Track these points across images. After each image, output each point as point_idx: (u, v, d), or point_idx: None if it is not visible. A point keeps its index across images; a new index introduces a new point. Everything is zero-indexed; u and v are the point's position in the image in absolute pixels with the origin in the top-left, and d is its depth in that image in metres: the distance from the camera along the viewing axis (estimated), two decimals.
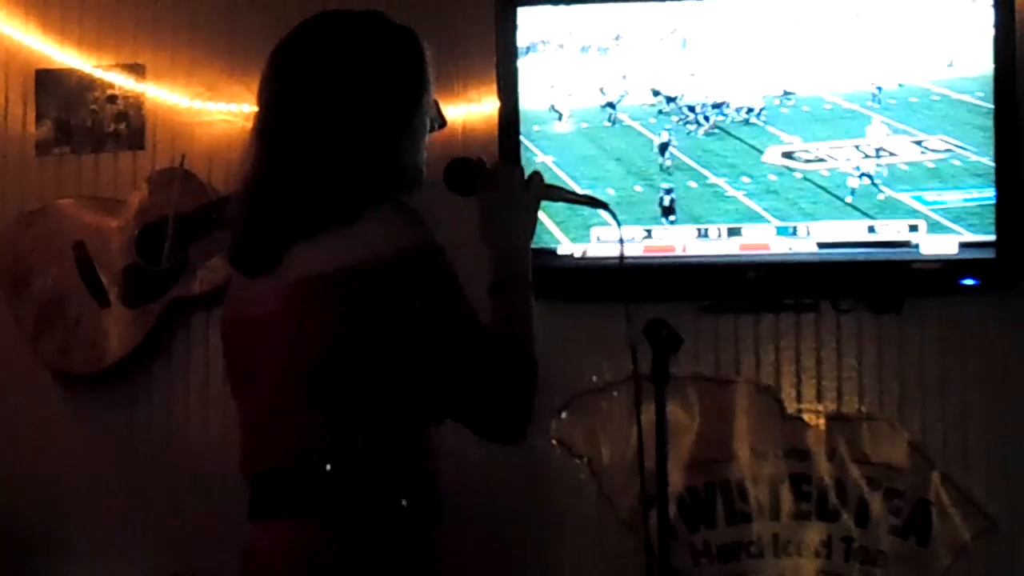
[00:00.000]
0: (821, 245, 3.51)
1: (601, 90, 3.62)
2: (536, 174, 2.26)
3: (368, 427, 2.05)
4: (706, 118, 3.58)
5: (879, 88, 3.52)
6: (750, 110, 3.57)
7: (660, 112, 3.59)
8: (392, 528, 2.05)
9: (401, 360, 2.02)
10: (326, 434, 2.05)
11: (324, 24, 2.18)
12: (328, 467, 2.03)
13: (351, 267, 2.02)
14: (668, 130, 3.57)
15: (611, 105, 3.61)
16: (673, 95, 3.60)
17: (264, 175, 2.13)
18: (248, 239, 2.14)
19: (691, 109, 3.58)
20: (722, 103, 3.58)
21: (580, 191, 2.41)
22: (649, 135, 3.60)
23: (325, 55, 2.13)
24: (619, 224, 2.37)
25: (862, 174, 3.51)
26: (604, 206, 2.37)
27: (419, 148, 2.18)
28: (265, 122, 2.16)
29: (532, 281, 2.18)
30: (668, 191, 3.56)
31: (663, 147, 3.57)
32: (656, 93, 3.59)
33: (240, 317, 2.16)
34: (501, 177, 2.23)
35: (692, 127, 3.58)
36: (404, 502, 2.05)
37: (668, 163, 3.57)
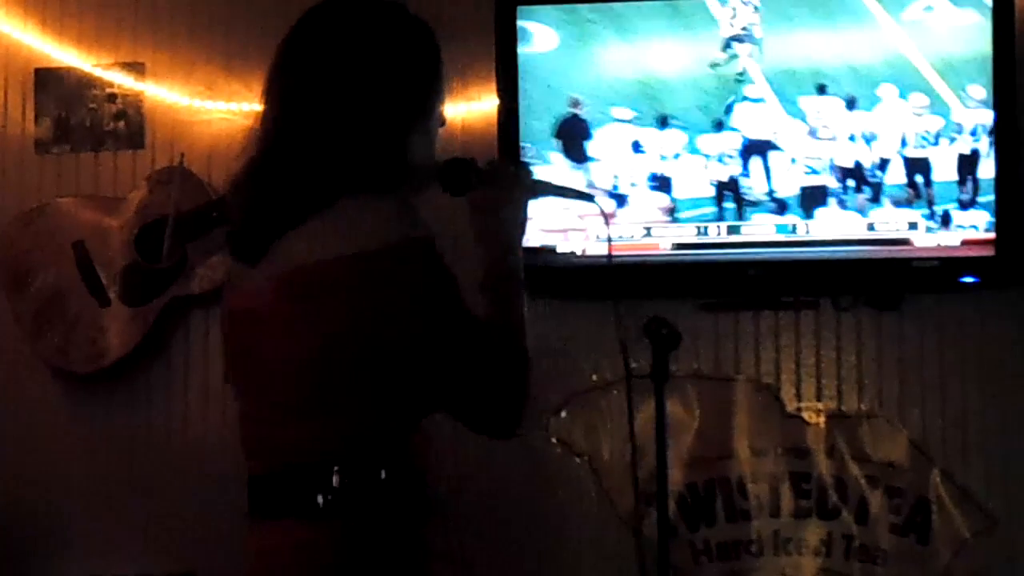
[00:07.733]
0: (820, 243, 3.51)
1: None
2: (524, 170, 2.24)
3: (363, 425, 2.02)
4: None
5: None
6: None
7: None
8: (386, 527, 2.03)
9: (393, 354, 1.99)
10: (323, 434, 2.03)
11: (341, 9, 2.11)
12: (325, 468, 2.01)
13: (341, 258, 1.98)
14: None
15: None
16: None
17: (269, 162, 2.08)
18: (246, 227, 2.10)
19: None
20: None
21: (568, 185, 2.41)
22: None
23: (342, 41, 2.07)
24: (606, 220, 2.37)
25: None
26: (591, 198, 2.36)
27: (431, 146, 2.14)
28: (276, 110, 2.10)
29: (524, 279, 2.15)
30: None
31: None
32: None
33: (237, 307, 2.13)
34: (496, 174, 2.19)
35: None
36: (394, 500, 2.03)
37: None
